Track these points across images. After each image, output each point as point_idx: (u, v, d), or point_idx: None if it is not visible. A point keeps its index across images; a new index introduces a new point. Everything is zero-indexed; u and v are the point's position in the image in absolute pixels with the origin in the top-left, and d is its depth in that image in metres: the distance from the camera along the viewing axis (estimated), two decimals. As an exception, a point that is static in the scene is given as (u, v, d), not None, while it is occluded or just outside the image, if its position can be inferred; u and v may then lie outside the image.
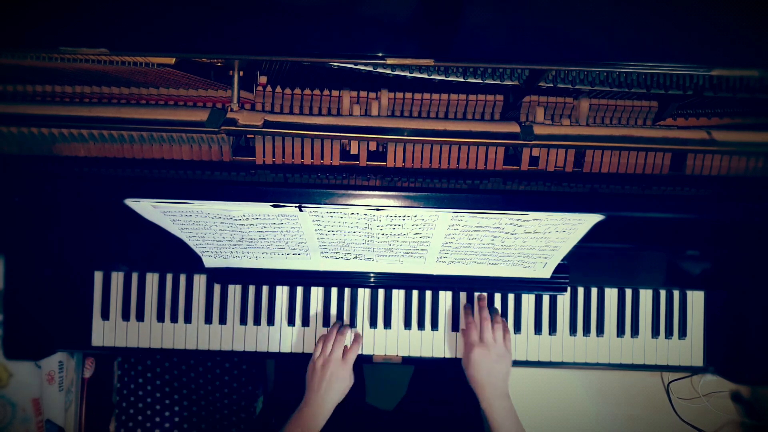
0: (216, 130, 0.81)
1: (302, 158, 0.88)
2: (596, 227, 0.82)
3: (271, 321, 1.00)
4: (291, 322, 1.00)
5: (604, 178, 0.88)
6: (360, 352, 0.99)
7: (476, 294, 1.01)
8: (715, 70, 0.71)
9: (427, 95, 0.86)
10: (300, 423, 0.84)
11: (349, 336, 0.97)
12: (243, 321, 1.00)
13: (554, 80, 0.84)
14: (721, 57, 0.70)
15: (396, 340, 1.01)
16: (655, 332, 1.01)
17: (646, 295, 1.02)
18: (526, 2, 0.70)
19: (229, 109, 0.84)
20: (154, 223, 0.84)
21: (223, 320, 1.00)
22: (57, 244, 0.95)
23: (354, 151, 0.88)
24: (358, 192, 0.80)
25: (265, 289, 1.01)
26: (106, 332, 1.00)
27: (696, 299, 1.01)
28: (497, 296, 1.02)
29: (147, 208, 0.81)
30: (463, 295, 1.01)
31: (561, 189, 0.85)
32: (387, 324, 1.00)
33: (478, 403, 0.91)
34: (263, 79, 0.88)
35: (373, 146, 0.87)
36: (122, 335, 1.00)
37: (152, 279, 1.01)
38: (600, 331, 1.01)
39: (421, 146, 0.87)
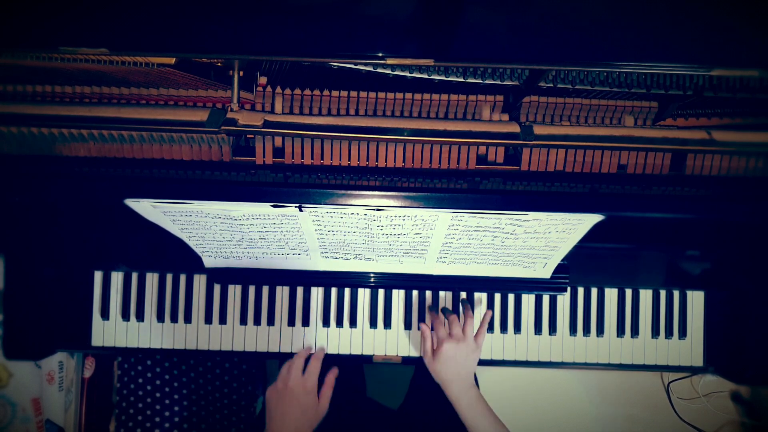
0: (216, 130, 0.81)
1: (302, 158, 0.88)
2: (596, 227, 0.82)
3: (271, 321, 1.00)
4: (291, 322, 1.00)
5: (604, 178, 0.88)
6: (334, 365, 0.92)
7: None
8: (715, 70, 0.71)
9: (427, 95, 0.86)
10: None
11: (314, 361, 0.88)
12: (243, 321, 1.00)
13: (554, 80, 0.84)
14: (721, 57, 0.70)
15: (396, 341, 1.01)
16: (655, 332, 1.01)
17: (646, 295, 1.02)
18: (526, 2, 0.70)
19: (229, 109, 0.84)
20: (154, 223, 0.84)
21: (223, 320, 1.00)
22: (57, 244, 0.95)
23: (354, 151, 0.88)
24: (358, 192, 0.80)
25: (265, 289, 1.01)
26: (106, 332, 1.00)
27: (696, 299, 1.01)
28: (497, 296, 1.02)
29: (147, 208, 0.81)
30: (462, 295, 1.01)
31: (561, 189, 0.85)
32: (387, 324, 1.00)
33: None
34: (263, 80, 0.88)
35: (372, 146, 0.87)
36: (122, 335, 1.00)
37: (152, 279, 1.01)
38: (600, 331, 1.01)
39: (421, 146, 0.87)
